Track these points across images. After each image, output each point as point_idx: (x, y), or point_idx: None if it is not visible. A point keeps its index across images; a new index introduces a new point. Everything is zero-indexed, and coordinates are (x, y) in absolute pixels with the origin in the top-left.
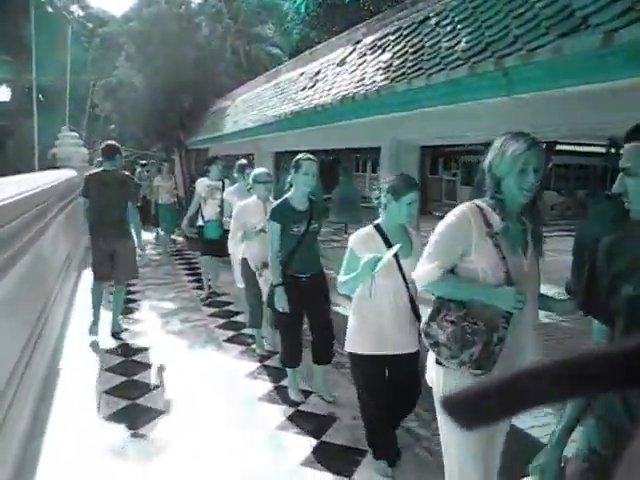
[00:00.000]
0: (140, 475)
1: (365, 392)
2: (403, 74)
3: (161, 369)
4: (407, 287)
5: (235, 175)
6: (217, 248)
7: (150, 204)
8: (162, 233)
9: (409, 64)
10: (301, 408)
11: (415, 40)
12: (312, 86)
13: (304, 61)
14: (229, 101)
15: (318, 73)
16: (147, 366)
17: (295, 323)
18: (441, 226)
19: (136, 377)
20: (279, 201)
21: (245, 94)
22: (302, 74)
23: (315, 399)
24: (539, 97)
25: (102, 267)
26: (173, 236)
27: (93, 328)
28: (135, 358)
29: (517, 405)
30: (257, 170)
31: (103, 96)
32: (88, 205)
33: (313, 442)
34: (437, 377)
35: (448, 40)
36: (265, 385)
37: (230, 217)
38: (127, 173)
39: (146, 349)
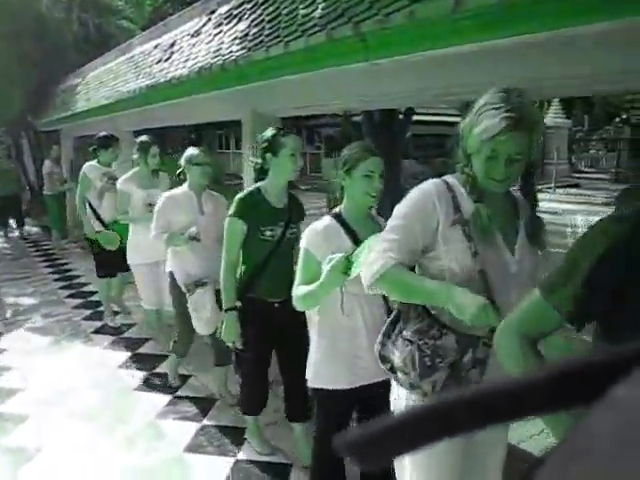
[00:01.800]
0: None
1: (326, 436)
2: (260, 42)
3: (23, 370)
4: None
5: (134, 157)
6: (120, 262)
7: None
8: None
9: (266, 32)
10: (179, 393)
11: (271, 8)
12: (167, 58)
13: (158, 32)
14: (79, 78)
15: (173, 45)
16: (6, 369)
17: (260, 364)
18: (400, 207)
19: None
20: (247, 191)
21: (97, 69)
22: (157, 46)
23: (193, 381)
24: (396, 62)
25: None
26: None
27: None
28: None
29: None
30: (192, 149)
31: None
32: None
33: (195, 426)
34: (399, 401)
35: (305, 7)
36: (139, 374)
37: (125, 214)
38: None
39: (3, 351)
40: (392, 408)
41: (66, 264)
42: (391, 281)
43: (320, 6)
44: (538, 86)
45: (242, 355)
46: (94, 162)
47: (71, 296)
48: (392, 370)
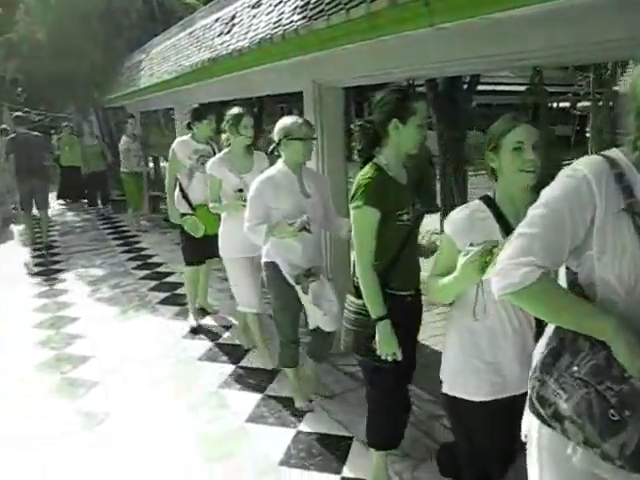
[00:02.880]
0: (83, 451)
1: (465, 444)
2: (321, 11)
3: (93, 338)
4: None
5: (224, 136)
6: (211, 250)
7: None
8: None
9: (327, 0)
10: (242, 364)
11: None
12: (228, 31)
13: (219, 6)
14: (143, 54)
15: (234, 17)
16: (79, 337)
17: (401, 378)
18: (545, 192)
19: (68, 349)
20: (369, 171)
21: (160, 45)
22: (217, 20)
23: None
24: (463, 26)
25: None
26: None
27: None
28: (65, 330)
29: None
30: (290, 119)
31: (3, 55)
32: None
33: (257, 397)
34: (541, 444)
35: None
36: (204, 344)
37: (216, 202)
38: None
39: (76, 319)
40: (532, 448)
41: (134, 237)
42: (533, 298)
43: None
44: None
45: (381, 377)
46: (187, 137)
47: (138, 267)
48: (556, 417)
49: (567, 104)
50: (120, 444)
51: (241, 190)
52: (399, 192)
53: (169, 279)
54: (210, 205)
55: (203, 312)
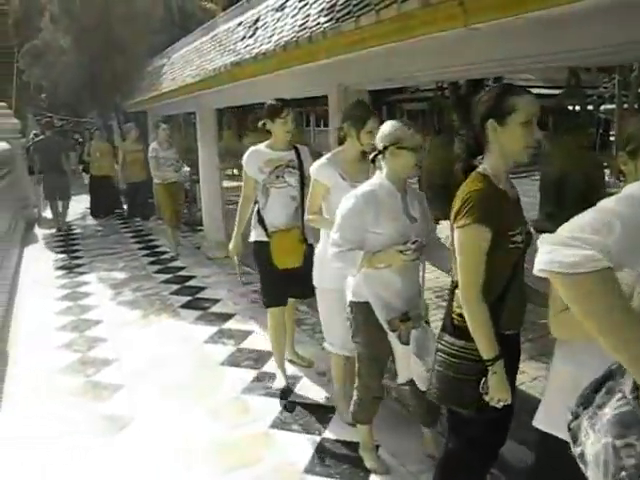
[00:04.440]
0: (105, 454)
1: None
2: (349, 13)
3: (116, 342)
4: None
5: (341, 134)
6: (297, 287)
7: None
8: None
9: (354, 2)
10: (265, 369)
11: None
12: (252, 35)
13: (242, 9)
14: (165, 59)
15: (257, 21)
16: (101, 340)
17: (499, 430)
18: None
19: (91, 352)
20: (474, 182)
21: (181, 50)
22: (240, 23)
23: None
24: (497, 26)
25: None
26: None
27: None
28: (88, 333)
29: None
30: (399, 123)
31: (29, 62)
32: None
33: (281, 403)
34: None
35: None
36: (226, 348)
37: (316, 214)
38: None
39: (99, 322)
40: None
41: (153, 240)
42: (584, 292)
43: None
44: None
45: (480, 417)
46: (261, 146)
47: (159, 271)
48: (581, 459)
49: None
50: (143, 449)
51: None
52: (510, 208)
53: (190, 282)
54: (309, 217)
55: (300, 358)
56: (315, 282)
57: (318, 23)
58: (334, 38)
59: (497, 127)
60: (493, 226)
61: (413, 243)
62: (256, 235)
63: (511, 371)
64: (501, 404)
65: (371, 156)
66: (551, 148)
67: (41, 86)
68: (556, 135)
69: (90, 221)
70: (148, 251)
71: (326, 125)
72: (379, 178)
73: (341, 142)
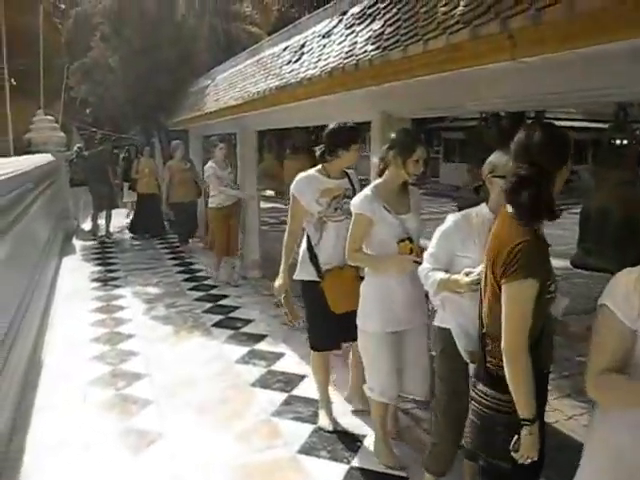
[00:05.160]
0: (131, 468)
1: None
2: (397, 42)
3: (148, 357)
4: None
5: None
6: (351, 331)
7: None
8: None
9: (403, 31)
10: (295, 393)
11: (407, 7)
12: (297, 60)
13: (287, 35)
14: (209, 80)
15: (303, 46)
16: (133, 354)
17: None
18: None
19: (122, 366)
20: (520, 233)
21: (226, 72)
22: (286, 48)
23: (310, 381)
24: (545, 60)
25: None
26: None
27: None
28: (120, 346)
29: None
30: (497, 152)
31: (78, 78)
32: None
33: (310, 428)
34: None
35: (444, 5)
36: (257, 370)
37: (356, 249)
38: None
39: (131, 336)
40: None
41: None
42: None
43: (462, 3)
44: None
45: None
46: (313, 171)
47: (193, 289)
48: None
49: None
50: (169, 466)
51: (409, 239)
52: (548, 257)
53: (223, 302)
54: (351, 255)
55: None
56: (358, 322)
57: (365, 51)
58: (381, 65)
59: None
60: (540, 278)
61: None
62: (306, 274)
63: (542, 408)
64: (529, 461)
65: (473, 187)
66: (594, 182)
67: (87, 102)
68: (599, 169)
69: (127, 235)
70: (183, 268)
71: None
72: (482, 206)
73: (381, 173)
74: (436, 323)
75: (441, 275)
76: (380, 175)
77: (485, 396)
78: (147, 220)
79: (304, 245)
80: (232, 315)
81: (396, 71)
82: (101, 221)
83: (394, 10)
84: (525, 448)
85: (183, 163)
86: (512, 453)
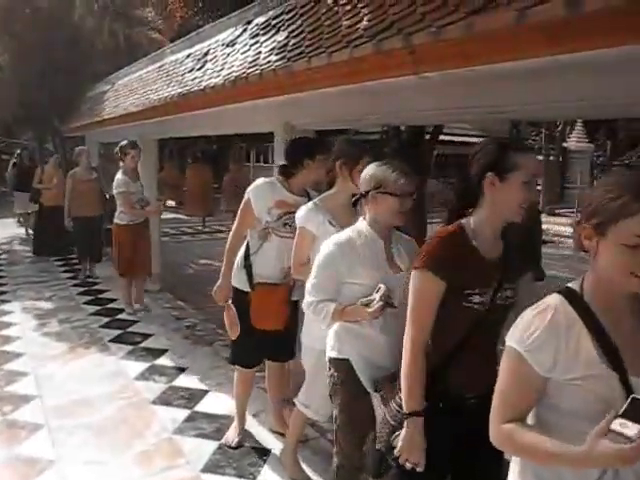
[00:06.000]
0: None
1: None
2: (301, 53)
3: (38, 377)
4: None
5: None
6: (277, 348)
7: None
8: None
9: (307, 43)
10: (198, 409)
11: (312, 19)
12: (200, 67)
13: (191, 42)
14: (108, 85)
15: (207, 54)
16: (22, 374)
17: None
18: None
19: (10, 387)
20: (443, 230)
21: (126, 77)
22: (189, 56)
23: (213, 396)
24: (447, 75)
25: None
26: None
27: None
28: (8, 366)
29: None
30: (383, 166)
31: None
32: None
33: (214, 445)
34: None
35: (349, 19)
36: (158, 386)
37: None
38: None
39: (20, 355)
40: None
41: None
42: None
43: (366, 17)
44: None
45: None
46: (274, 179)
47: (89, 303)
48: None
49: None
50: None
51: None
52: (478, 266)
53: (122, 315)
54: (296, 269)
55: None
56: (302, 337)
57: (269, 61)
58: (285, 76)
59: (496, 182)
60: (447, 278)
61: (377, 292)
62: (237, 281)
63: (462, 439)
64: (409, 466)
65: (352, 200)
66: None
67: None
68: None
69: (18, 246)
70: (78, 281)
71: (266, 161)
72: (360, 224)
73: (330, 185)
74: (331, 355)
75: (334, 306)
76: (329, 187)
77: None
78: (55, 238)
79: (241, 251)
80: (131, 329)
81: (300, 82)
82: None
83: (299, 22)
84: (403, 444)
85: (88, 172)
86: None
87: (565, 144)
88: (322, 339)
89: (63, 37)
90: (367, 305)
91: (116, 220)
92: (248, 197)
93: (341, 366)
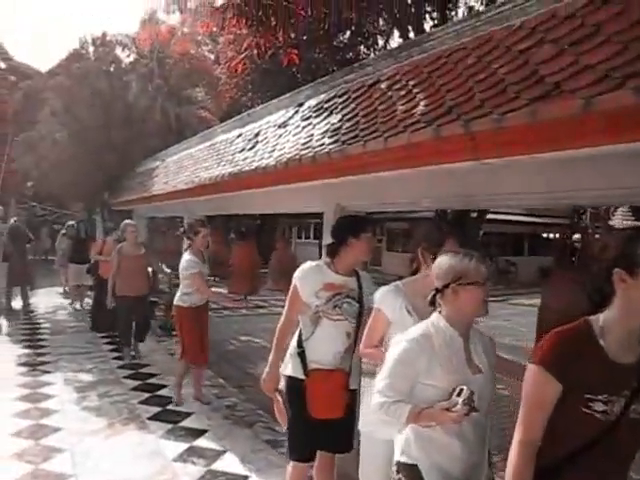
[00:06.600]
0: None
1: None
2: (356, 136)
3: (76, 454)
4: None
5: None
6: (336, 440)
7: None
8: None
9: (361, 126)
10: None
11: (366, 103)
12: (251, 147)
13: (242, 122)
14: (158, 162)
15: (257, 135)
16: (59, 451)
17: None
18: None
19: (46, 464)
20: (570, 325)
21: (176, 155)
22: (239, 135)
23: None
24: (508, 162)
25: None
26: None
27: None
28: (45, 442)
29: None
30: (459, 255)
31: (23, 150)
32: None
33: None
34: None
35: (404, 103)
36: (197, 469)
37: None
38: None
39: (58, 430)
40: None
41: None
42: None
43: (422, 103)
44: None
45: None
46: (320, 262)
47: (129, 377)
48: None
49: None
50: None
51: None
52: (604, 370)
53: (162, 392)
54: (365, 351)
55: None
56: (361, 426)
57: (322, 144)
58: (339, 159)
59: (627, 278)
60: (565, 379)
61: (459, 394)
62: (291, 369)
63: None
64: None
65: (429, 298)
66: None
67: (29, 175)
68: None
69: (61, 316)
70: (119, 354)
71: (307, 237)
72: (438, 319)
73: (413, 272)
74: (400, 459)
75: (409, 408)
76: (413, 274)
77: None
78: (113, 313)
79: (295, 338)
80: (170, 407)
81: (354, 165)
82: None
83: (352, 105)
84: None
85: (136, 248)
86: None
87: (610, 222)
88: (385, 428)
89: (118, 116)
90: (448, 409)
91: (178, 302)
92: (295, 283)
93: (410, 472)
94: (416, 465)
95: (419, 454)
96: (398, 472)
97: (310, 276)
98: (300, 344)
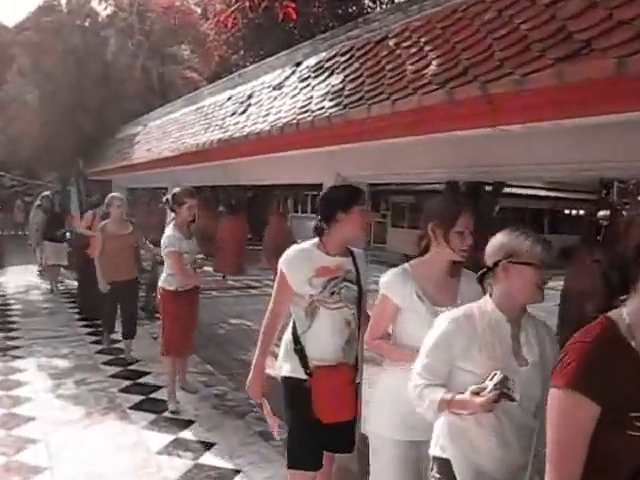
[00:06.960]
0: None
1: None
2: (360, 99)
3: (51, 445)
4: None
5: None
6: (341, 443)
7: None
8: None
9: (366, 88)
10: None
11: (371, 62)
12: (243, 111)
13: (232, 83)
14: (140, 127)
15: (250, 97)
16: (33, 441)
17: None
18: None
19: (19, 456)
20: (588, 329)
21: (159, 119)
22: (230, 98)
23: (244, 478)
24: (528, 129)
25: None
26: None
27: None
28: (17, 432)
29: None
30: (513, 233)
31: None
32: None
33: None
34: None
35: (414, 63)
36: (183, 462)
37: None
38: None
39: (32, 419)
40: None
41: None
42: None
43: (434, 62)
44: None
45: None
46: (308, 244)
47: (108, 363)
48: None
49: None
50: None
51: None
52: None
53: (144, 379)
54: (370, 342)
55: None
56: (371, 427)
57: (322, 107)
58: (341, 124)
59: None
60: (602, 399)
61: (492, 379)
62: (289, 369)
63: None
64: None
65: (477, 275)
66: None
67: None
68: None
69: (34, 296)
70: (97, 337)
71: (304, 211)
72: (485, 302)
73: (422, 252)
74: (434, 452)
75: (442, 394)
76: (421, 255)
77: None
78: (98, 295)
79: (288, 333)
80: (154, 396)
81: (358, 132)
82: None
83: (356, 65)
84: None
85: (121, 226)
86: None
87: None
88: (397, 428)
89: (94, 75)
90: (478, 394)
91: (163, 284)
92: (281, 271)
93: (443, 467)
94: (448, 460)
95: (452, 449)
96: (433, 467)
97: (299, 262)
98: (297, 340)
